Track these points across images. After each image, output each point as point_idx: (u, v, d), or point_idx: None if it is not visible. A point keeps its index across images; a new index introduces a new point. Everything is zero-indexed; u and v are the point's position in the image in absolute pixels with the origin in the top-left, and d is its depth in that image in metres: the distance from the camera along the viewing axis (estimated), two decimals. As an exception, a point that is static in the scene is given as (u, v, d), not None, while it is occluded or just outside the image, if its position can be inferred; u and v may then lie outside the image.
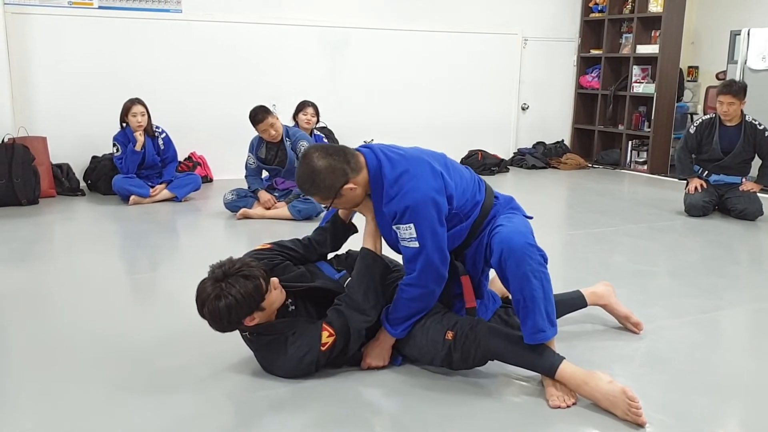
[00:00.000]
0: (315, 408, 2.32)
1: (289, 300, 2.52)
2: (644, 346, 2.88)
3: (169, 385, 2.46)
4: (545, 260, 2.43)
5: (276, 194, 5.45)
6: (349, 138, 7.28)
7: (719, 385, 2.54)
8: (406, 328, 2.51)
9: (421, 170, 2.42)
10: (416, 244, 2.38)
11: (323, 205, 2.61)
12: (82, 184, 6.25)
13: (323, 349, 2.41)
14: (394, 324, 2.51)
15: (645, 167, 7.84)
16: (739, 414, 2.36)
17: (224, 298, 2.26)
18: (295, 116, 6.04)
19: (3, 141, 5.61)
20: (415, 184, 2.39)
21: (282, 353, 2.41)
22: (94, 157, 6.31)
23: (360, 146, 2.55)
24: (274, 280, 2.42)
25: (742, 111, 5.37)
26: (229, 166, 6.65)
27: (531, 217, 2.64)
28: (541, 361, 2.39)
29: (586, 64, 8.52)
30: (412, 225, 2.37)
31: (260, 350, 2.48)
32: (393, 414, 2.30)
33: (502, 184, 7.03)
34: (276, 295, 2.41)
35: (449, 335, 2.44)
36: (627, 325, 3.03)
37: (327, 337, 2.42)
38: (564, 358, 2.38)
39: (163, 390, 2.42)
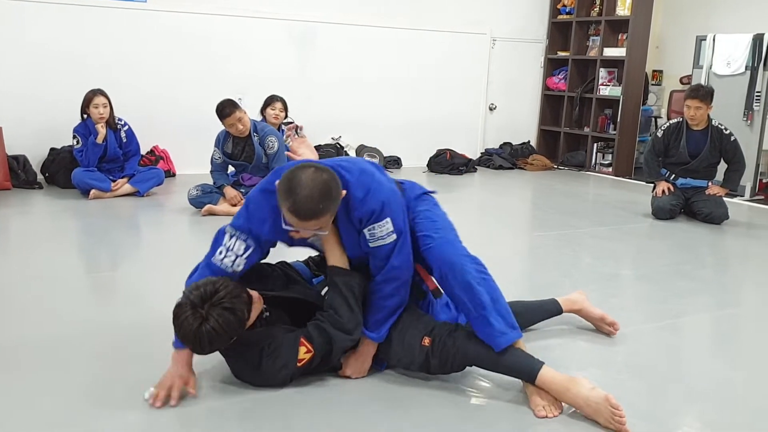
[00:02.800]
0: (291, 416, 2.23)
1: (265, 306, 2.41)
2: (622, 351, 2.86)
3: (136, 391, 2.33)
4: (483, 266, 2.41)
5: (242, 190, 5.32)
6: (317, 134, 7.18)
7: (699, 392, 2.53)
8: (387, 330, 2.44)
9: (370, 167, 2.40)
10: (393, 237, 2.33)
11: (322, 231, 2.29)
12: (40, 177, 6.03)
13: (299, 365, 2.32)
14: (374, 328, 2.43)
15: (610, 169, 7.89)
16: (721, 421, 2.34)
17: (205, 327, 2.14)
18: (262, 111, 5.91)
19: (-45, 130, 5.38)
20: (378, 179, 2.36)
21: (255, 366, 2.31)
22: (52, 149, 6.09)
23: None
24: (254, 294, 2.32)
25: (708, 115, 5.42)
26: (193, 161, 6.49)
27: (434, 192, 2.66)
28: (521, 366, 2.34)
29: (553, 65, 8.55)
30: (389, 219, 2.32)
31: (232, 357, 2.37)
32: (370, 421, 2.22)
33: (470, 185, 7.02)
34: (256, 308, 2.32)
35: (426, 341, 2.38)
36: (602, 327, 3.01)
37: (304, 353, 2.32)
38: (544, 363, 2.34)
39: (129, 397, 2.30)
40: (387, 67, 7.56)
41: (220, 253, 2.34)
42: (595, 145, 8.09)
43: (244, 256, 2.34)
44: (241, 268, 2.35)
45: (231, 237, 2.34)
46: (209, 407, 2.27)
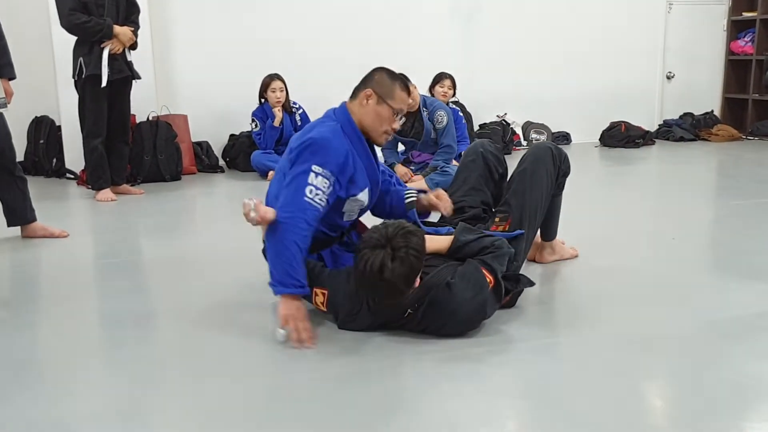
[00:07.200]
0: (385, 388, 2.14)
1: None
2: None
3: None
4: None
5: (412, 168, 5.31)
6: (482, 113, 7.06)
7: None
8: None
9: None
10: None
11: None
12: (221, 162, 6.34)
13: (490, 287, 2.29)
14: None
15: (808, 137, 7.14)
16: None
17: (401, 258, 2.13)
18: (431, 88, 5.87)
19: (148, 118, 5.77)
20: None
21: (452, 299, 2.23)
22: (231, 135, 6.39)
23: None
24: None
25: None
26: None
27: None
28: None
29: (737, 28, 7.88)
30: None
31: (427, 315, 2.26)
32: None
33: (649, 157, 6.60)
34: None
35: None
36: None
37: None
38: None
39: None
40: (553, 39, 7.27)
41: (311, 192, 2.35)
42: (790, 111, 7.35)
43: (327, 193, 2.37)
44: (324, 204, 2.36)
45: (316, 176, 2.36)
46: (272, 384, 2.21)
